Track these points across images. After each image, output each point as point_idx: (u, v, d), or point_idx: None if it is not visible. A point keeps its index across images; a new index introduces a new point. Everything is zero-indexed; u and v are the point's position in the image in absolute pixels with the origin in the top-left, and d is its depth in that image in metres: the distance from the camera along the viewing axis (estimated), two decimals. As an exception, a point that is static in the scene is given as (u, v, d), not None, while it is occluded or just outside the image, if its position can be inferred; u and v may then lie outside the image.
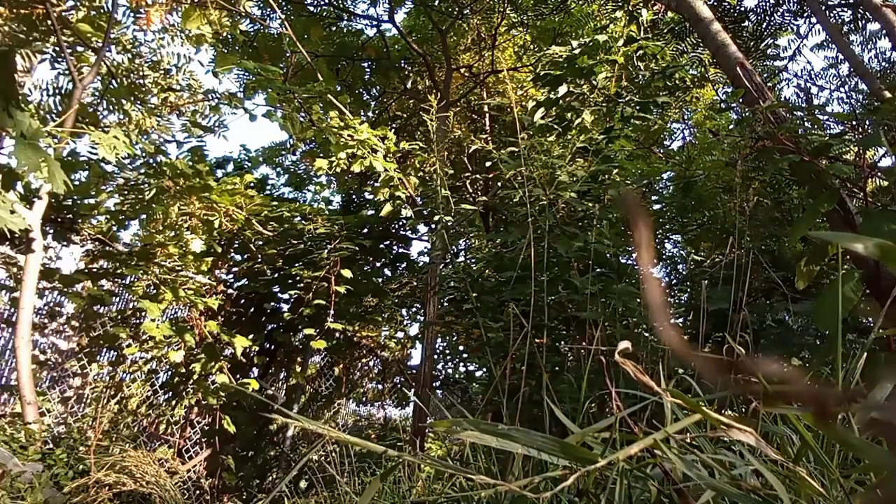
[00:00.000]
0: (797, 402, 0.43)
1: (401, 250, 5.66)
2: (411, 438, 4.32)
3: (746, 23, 6.91)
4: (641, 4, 4.54)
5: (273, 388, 4.49)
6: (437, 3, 6.52)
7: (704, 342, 1.43)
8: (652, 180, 4.25)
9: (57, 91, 5.26)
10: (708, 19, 3.55)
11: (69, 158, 3.11)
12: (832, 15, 6.53)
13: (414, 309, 6.07)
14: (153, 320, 3.57)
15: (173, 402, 4.15)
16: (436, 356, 5.12)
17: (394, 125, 7.18)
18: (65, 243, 3.79)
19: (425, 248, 6.15)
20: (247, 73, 5.48)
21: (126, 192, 3.87)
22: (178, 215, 4.14)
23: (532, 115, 3.61)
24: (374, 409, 6.49)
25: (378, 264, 5.48)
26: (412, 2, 6.82)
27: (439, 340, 5.27)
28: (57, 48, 4.40)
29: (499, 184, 5.87)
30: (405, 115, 7.88)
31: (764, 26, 6.89)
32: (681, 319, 3.38)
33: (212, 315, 3.98)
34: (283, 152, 6.73)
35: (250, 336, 3.92)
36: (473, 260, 6.70)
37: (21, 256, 3.13)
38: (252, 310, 4.44)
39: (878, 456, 0.41)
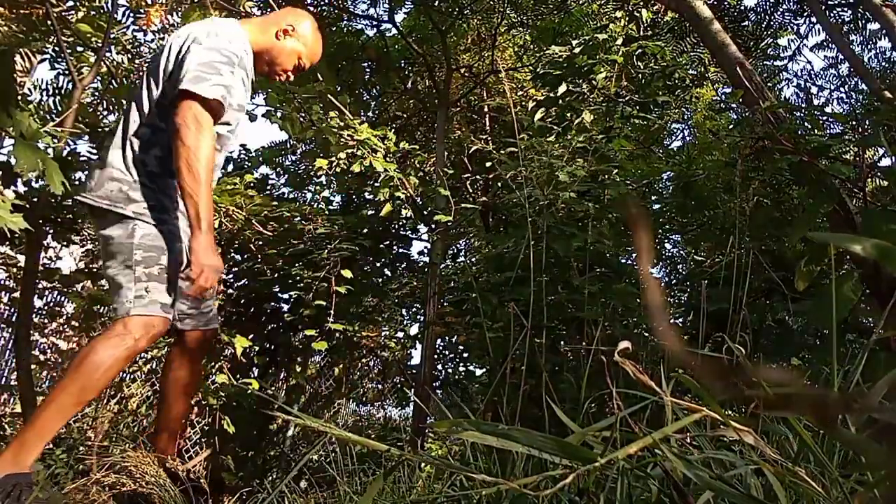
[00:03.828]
0: (797, 407, 0.43)
1: (401, 250, 5.66)
2: (411, 438, 4.33)
3: (746, 22, 6.91)
4: (641, 4, 4.55)
5: (273, 389, 4.49)
6: (437, 3, 6.51)
7: (704, 342, 1.43)
8: (652, 180, 4.25)
9: (57, 91, 5.27)
10: (708, 19, 3.56)
11: (69, 158, 3.11)
12: (832, 15, 6.54)
13: (414, 309, 6.07)
14: (153, 320, 3.56)
15: (173, 402, 4.14)
16: (436, 356, 5.12)
17: (394, 125, 7.18)
18: (65, 243, 3.78)
19: (425, 248, 6.15)
20: (247, 73, 5.48)
21: (126, 192, 3.86)
22: (178, 215, 4.14)
23: (532, 116, 3.61)
24: (374, 409, 6.50)
25: (378, 264, 5.48)
26: (412, 2, 6.81)
27: (439, 340, 5.27)
28: (57, 48, 4.40)
29: (499, 184, 5.88)
30: (405, 115, 7.88)
31: (764, 26, 6.89)
32: (680, 320, 3.38)
33: (212, 315, 3.98)
34: (283, 152, 6.72)
35: (250, 336, 3.93)
36: (473, 260, 6.71)
37: (21, 256, 3.13)
38: (252, 310, 4.44)
39: (877, 455, 0.41)
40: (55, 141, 2.69)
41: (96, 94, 5.25)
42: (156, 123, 1.71)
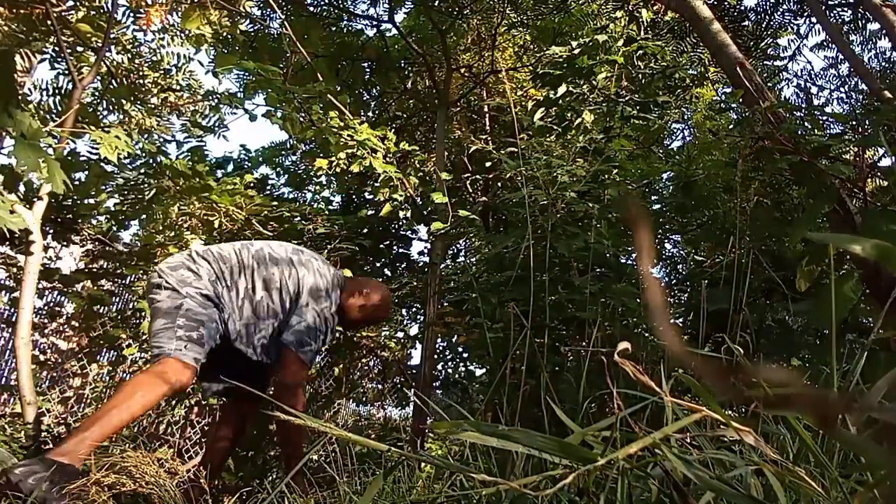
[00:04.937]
0: (797, 407, 0.43)
1: (401, 250, 5.66)
2: (411, 438, 4.32)
3: (746, 23, 6.91)
4: (641, 4, 4.55)
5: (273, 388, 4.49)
6: (437, 3, 6.51)
7: (704, 342, 1.43)
8: (652, 180, 4.24)
9: (57, 91, 5.27)
10: (708, 19, 3.56)
11: (69, 158, 3.11)
12: (832, 15, 6.54)
13: (414, 309, 6.07)
14: (153, 320, 3.56)
15: (173, 402, 4.15)
16: (436, 356, 5.11)
17: (394, 125, 7.17)
18: (65, 243, 3.78)
19: (425, 248, 6.15)
20: (247, 74, 5.48)
21: (126, 192, 3.87)
22: (178, 215, 4.14)
23: (532, 116, 3.61)
24: (374, 409, 6.49)
25: (378, 264, 5.48)
26: (412, 2, 6.81)
27: (439, 340, 5.26)
28: (57, 48, 4.40)
29: (499, 184, 5.88)
30: (405, 116, 7.87)
31: (764, 26, 6.89)
32: (680, 320, 3.38)
33: (212, 315, 3.98)
34: (283, 152, 6.72)
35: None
36: (473, 260, 6.70)
37: (21, 256, 3.13)
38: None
39: (877, 455, 0.41)
40: (56, 141, 2.69)
41: (96, 94, 5.25)
42: (248, 304, 2.18)
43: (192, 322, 1.99)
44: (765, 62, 7.26)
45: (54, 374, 4.51)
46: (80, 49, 4.31)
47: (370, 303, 2.46)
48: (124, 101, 5.49)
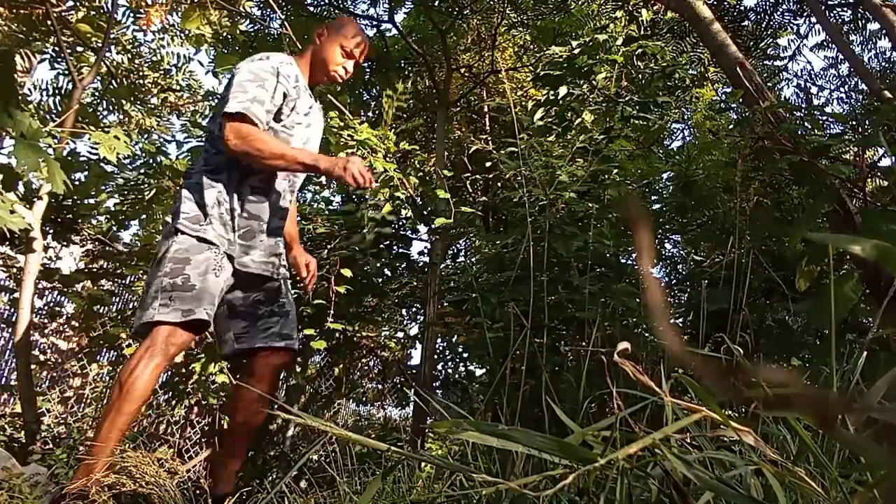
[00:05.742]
0: (798, 407, 0.43)
1: (401, 250, 5.66)
2: (411, 438, 4.32)
3: (746, 22, 6.91)
4: (641, 4, 4.55)
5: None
6: (437, 3, 6.51)
7: (704, 342, 1.43)
8: (652, 180, 4.24)
9: (57, 91, 5.27)
10: (708, 19, 3.55)
11: (69, 158, 3.11)
12: (832, 15, 6.53)
13: (414, 309, 6.07)
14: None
15: (173, 402, 4.15)
16: (436, 356, 5.11)
17: (394, 125, 7.17)
18: (65, 243, 3.78)
19: (425, 248, 6.15)
20: (247, 73, 5.47)
21: (126, 192, 3.87)
22: (178, 215, 4.13)
23: (532, 116, 3.61)
24: (374, 409, 6.50)
25: (378, 264, 5.47)
26: (412, 2, 6.81)
27: (439, 340, 5.26)
28: (57, 48, 4.40)
29: (499, 184, 5.88)
30: (405, 115, 7.87)
31: (764, 26, 6.89)
32: (680, 320, 3.38)
33: (212, 315, 3.98)
34: (283, 152, 6.70)
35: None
36: (473, 260, 6.70)
37: (21, 256, 3.13)
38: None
39: (877, 455, 0.41)
40: (56, 141, 2.69)
41: (96, 94, 5.25)
42: (208, 149, 1.95)
43: (178, 265, 1.73)
44: (765, 62, 7.26)
45: (54, 374, 4.51)
46: (80, 49, 4.31)
47: (331, 29, 2.09)
48: (124, 102, 5.49)
